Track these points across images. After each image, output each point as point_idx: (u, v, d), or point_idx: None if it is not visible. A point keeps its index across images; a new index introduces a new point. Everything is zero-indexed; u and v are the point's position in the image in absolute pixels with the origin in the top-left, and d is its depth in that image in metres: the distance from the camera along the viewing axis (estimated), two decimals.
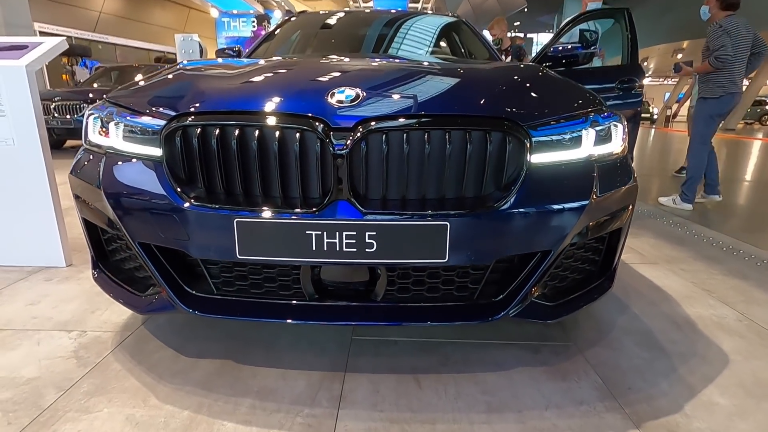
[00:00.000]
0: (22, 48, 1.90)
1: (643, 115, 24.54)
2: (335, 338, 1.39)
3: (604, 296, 1.28)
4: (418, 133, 1.00)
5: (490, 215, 1.01)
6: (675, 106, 5.97)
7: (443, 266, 1.08)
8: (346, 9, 3.01)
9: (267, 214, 1.00)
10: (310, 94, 1.07)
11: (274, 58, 2.07)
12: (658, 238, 2.58)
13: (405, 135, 0.99)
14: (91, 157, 1.23)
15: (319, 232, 0.99)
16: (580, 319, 1.56)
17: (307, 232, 0.99)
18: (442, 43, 2.65)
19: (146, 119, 1.12)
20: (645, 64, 24.08)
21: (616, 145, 1.26)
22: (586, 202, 1.09)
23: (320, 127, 0.99)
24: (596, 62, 3.46)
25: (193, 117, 1.04)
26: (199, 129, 1.02)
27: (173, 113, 1.07)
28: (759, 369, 1.30)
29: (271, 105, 1.04)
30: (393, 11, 3.06)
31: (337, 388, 1.17)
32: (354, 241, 0.99)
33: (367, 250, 1.00)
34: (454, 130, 1.01)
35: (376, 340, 1.38)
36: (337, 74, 1.22)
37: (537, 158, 1.09)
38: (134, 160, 1.13)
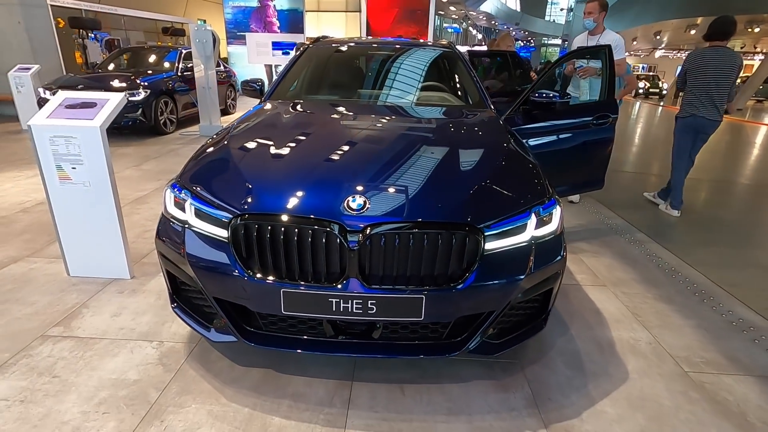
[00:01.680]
0: (92, 105, 2.33)
1: (651, 90, 24.45)
2: (345, 357, 1.91)
3: (549, 324, 1.80)
4: (405, 234, 1.47)
5: (451, 290, 1.50)
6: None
7: (420, 323, 1.58)
8: (353, 41, 3.35)
9: (302, 286, 1.49)
10: (333, 203, 1.53)
11: (291, 112, 2.49)
12: (615, 258, 3.06)
13: (396, 235, 1.47)
14: (172, 227, 1.71)
15: (338, 300, 1.49)
16: (529, 340, 2.07)
17: (329, 299, 1.49)
18: (437, 81, 3.05)
19: (214, 210, 1.59)
20: (658, 37, 23.61)
21: (554, 225, 1.72)
22: (522, 276, 1.57)
23: (338, 229, 1.46)
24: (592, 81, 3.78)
25: (251, 217, 1.51)
26: (257, 225, 1.50)
27: (236, 210, 1.54)
28: (646, 386, 1.82)
29: (306, 210, 1.50)
30: (397, 44, 3.43)
31: (346, 394, 1.71)
32: (360, 306, 1.49)
33: (369, 311, 1.50)
34: (430, 233, 1.48)
35: (374, 358, 1.91)
36: (354, 178, 1.65)
37: (489, 246, 1.56)
38: (206, 235, 1.61)
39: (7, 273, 2.54)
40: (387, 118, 2.51)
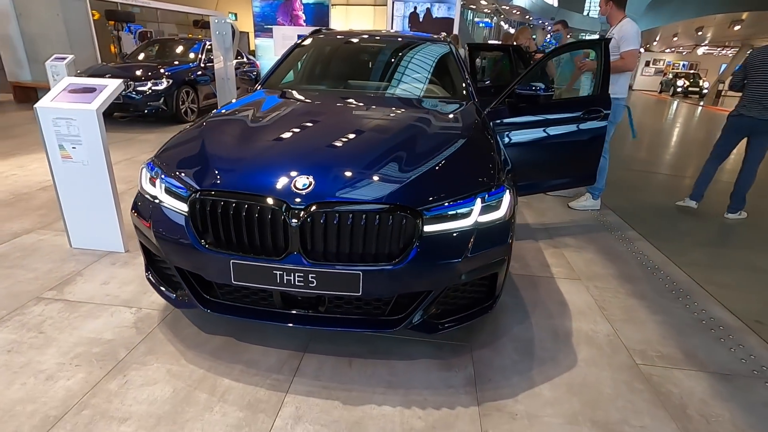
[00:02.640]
0: (92, 90, 2.53)
1: (690, 89, 23.31)
2: (305, 329, 2.03)
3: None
4: (344, 213, 1.57)
5: (388, 269, 1.58)
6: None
7: (358, 297, 1.67)
8: (349, 34, 3.46)
9: (249, 258, 1.61)
10: (280, 183, 1.63)
11: (279, 102, 2.61)
12: (598, 254, 3.05)
13: (336, 213, 1.56)
14: (145, 202, 1.86)
15: (281, 272, 1.60)
16: (486, 325, 2.13)
17: (274, 271, 1.60)
18: (423, 73, 3.10)
19: (178, 186, 1.73)
20: (700, 33, 22.42)
21: (501, 212, 1.78)
22: (459, 260, 1.64)
23: (282, 206, 1.57)
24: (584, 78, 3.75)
25: (207, 193, 1.64)
26: (211, 202, 1.62)
27: (195, 186, 1.68)
28: (591, 374, 1.85)
29: (257, 189, 1.62)
30: (392, 37, 3.50)
31: (296, 363, 1.82)
32: (302, 279, 1.60)
33: (310, 285, 1.60)
34: (368, 213, 1.57)
35: (320, 329, 2.00)
36: (304, 160, 1.77)
37: (429, 228, 1.63)
38: (171, 210, 1.75)
39: (19, 242, 2.79)
40: (362, 106, 2.59)
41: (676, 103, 19.51)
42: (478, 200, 1.72)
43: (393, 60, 3.24)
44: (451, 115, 2.46)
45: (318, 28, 3.75)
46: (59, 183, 2.60)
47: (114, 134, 6.23)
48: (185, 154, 1.91)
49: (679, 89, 23.37)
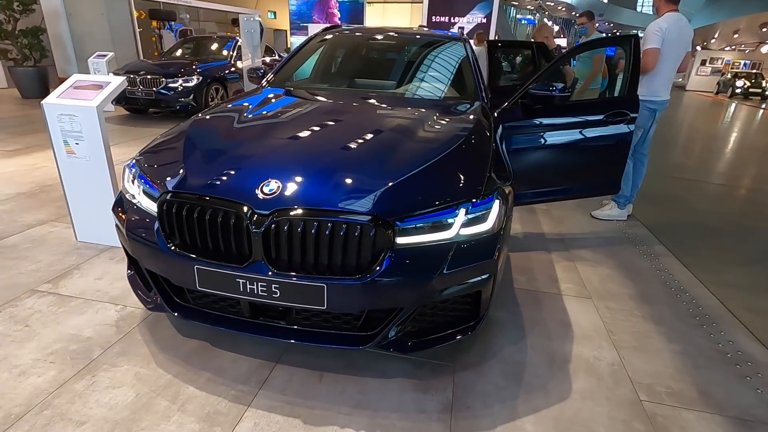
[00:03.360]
0: (97, 87, 2.56)
1: (752, 90, 21.53)
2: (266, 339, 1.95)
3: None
4: (309, 221, 1.47)
5: (355, 283, 1.47)
6: None
7: (324, 311, 1.56)
8: (363, 31, 3.39)
9: (213, 264, 1.54)
10: (248, 186, 1.56)
11: (274, 102, 2.54)
12: (615, 270, 2.79)
13: (302, 221, 1.47)
14: (125, 201, 1.84)
15: (244, 281, 1.52)
16: (474, 344, 1.97)
17: (237, 279, 1.53)
18: (432, 72, 2.96)
19: (152, 186, 1.70)
20: (765, 29, 20.62)
21: (487, 225, 1.62)
22: (434, 276, 1.50)
23: (248, 212, 1.49)
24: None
25: (175, 195, 1.59)
26: (176, 204, 1.57)
27: (166, 187, 1.63)
28: (584, 409, 1.66)
29: (223, 193, 1.55)
30: (405, 35, 3.37)
31: (265, 374, 1.75)
32: (265, 289, 1.51)
33: (273, 295, 1.52)
34: (335, 222, 1.46)
35: (286, 342, 1.90)
36: (277, 163, 1.68)
37: (403, 240, 1.51)
38: (144, 210, 1.72)
39: (30, 234, 2.89)
40: (357, 106, 2.47)
41: (734, 105, 18.09)
42: (462, 211, 1.58)
43: (401, 58, 3.12)
44: (449, 117, 2.31)
45: (331, 25, 3.67)
46: (65, 178, 2.66)
47: (145, 129, 6.45)
48: (164, 155, 1.88)
49: (738, 90, 21.63)
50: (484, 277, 1.63)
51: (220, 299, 1.70)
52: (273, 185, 1.54)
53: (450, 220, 1.56)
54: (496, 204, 1.67)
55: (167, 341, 1.91)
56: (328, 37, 3.33)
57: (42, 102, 2.51)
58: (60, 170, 2.65)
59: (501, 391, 1.72)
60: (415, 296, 1.53)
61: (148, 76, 6.80)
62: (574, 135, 2.87)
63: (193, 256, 1.57)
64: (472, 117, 2.28)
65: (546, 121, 2.80)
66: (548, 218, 3.63)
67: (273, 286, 1.50)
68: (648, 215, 3.78)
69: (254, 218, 1.49)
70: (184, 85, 6.92)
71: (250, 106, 2.36)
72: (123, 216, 1.79)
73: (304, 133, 1.97)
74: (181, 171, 1.68)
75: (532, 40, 4.34)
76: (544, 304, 2.35)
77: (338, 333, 1.62)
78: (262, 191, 1.53)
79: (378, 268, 1.48)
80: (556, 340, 2.05)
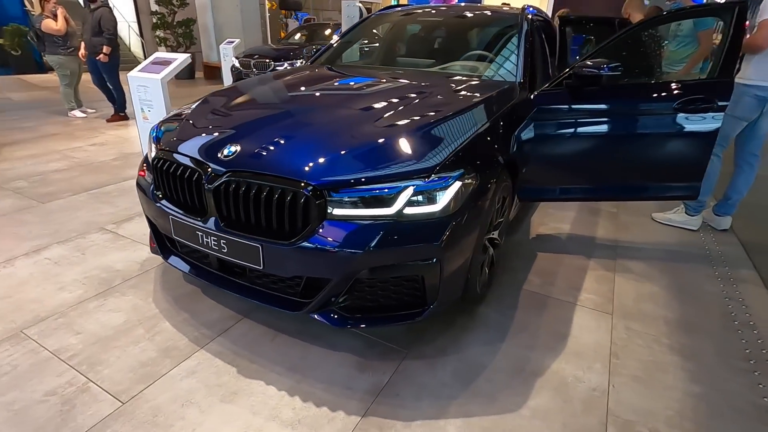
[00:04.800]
0: (168, 63, 2.98)
1: None
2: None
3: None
4: (249, 183, 1.54)
5: (285, 246, 1.50)
6: None
7: (262, 271, 1.63)
8: (415, 9, 3.27)
9: (181, 216, 1.72)
10: (212, 149, 1.68)
11: (300, 77, 2.66)
12: (667, 290, 2.31)
13: (245, 183, 1.55)
14: (146, 161, 2.14)
15: (201, 233, 1.67)
16: (441, 335, 1.85)
17: (197, 232, 1.68)
18: (475, 50, 2.76)
19: (154, 143, 1.95)
20: None
21: (437, 206, 1.51)
22: (360, 251, 1.45)
23: (207, 171, 1.63)
24: None
25: (162, 152, 1.81)
26: (160, 160, 1.78)
27: (161, 145, 1.86)
28: (521, 427, 1.45)
29: (191, 152, 1.71)
30: (461, 14, 3.19)
31: (229, 324, 1.90)
32: (216, 243, 1.64)
33: (222, 250, 1.64)
34: (273, 186, 1.51)
35: (238, 296, 1.98)
36: (248, 131, 1.78)
37: (339, 212, 1.49)
38: (149, 165, 1.98)
39: (123, 185, 3.52)
40: (367, 84, 2.43)
41: None
42: (409, 189, 1.49)
43: (446, 37, 2.96)
44: (454, 94, 2.15)
45: (389, 5, 3.64)
46: (143, 140, 3.17)
47: None
48: (175, 121, 2.12)
49: None
50: (427, 261, 1.52)
51: (195, 250, 1.89)
52: (232, 148, 1.64)
53: (391, 197, 1.49)
54: (455, 186, 1.53)
55: (170, 283, 2.19)
56: (379, 18, 3.33)
57: (128, 74, 3.01)
58: (140, 133, 3.16)
59: (441, 388, 1.60)
60: (342, 268, 1.50)
61: (261, 60, 7.57)
62: (636, 124, 2.43)
63: (170, 207, 1.77)
64: (479, 95, 2.09)
65: (598, 106, 2.41)
66: (611, 222, 3.14)
67: (222, 241, 1.62)
68: (749, 232, 3.01)
69: (211, 177, 1.61)
70: (289, 67, 7.55)
71: (273, 80, 2.51)
72: (141, 173, 2.08)
73: (294, 106, 2.04)
74: (175, 132, 1.89)
75: (624, 15, 3.69)
76: (547, 311, 2.08)
77: (280, 296, 1.68)
78: (222, 153, 1.64)
79: (306, 235, 1.49)
80: (538, 351, 1.81)
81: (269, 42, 10.89)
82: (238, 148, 1.64)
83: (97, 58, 5.51)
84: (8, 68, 10.40)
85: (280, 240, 1.52)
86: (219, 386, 1.58)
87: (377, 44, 3.30)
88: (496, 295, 2.17)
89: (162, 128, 2.06)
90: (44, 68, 10.27)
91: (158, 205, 1.81)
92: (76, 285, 2.16)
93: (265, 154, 1.61)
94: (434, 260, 1.53)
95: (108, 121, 5.77)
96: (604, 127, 2.44)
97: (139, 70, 2.99)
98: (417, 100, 2.01)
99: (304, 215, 1.50)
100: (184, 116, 2.06)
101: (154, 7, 10.47)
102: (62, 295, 2.08)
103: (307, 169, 1.52)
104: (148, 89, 2.92)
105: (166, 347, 1.76)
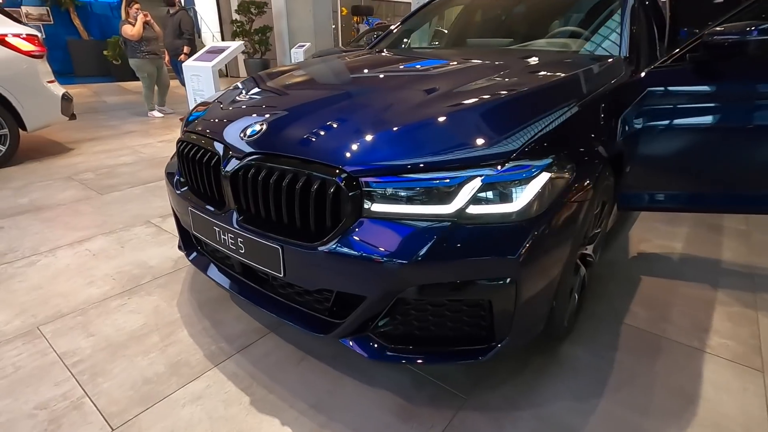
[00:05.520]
0: (221, 51, 2.83)
1: None
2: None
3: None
4: (271, 168, 1.22)
5: (311, 250, 1.16)
6: None
7: (284, 281, 1.29)
8: None
9: (200, 208, 1.45)
10: (234, 128, 1.40)
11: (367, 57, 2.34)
12: None
13: (266, 167, 1.23)
14: None
15: (219, 229, 1.38)
16: (513, 381, 1.40)
17: (214, 227, 1.40)
18: (568, 25, 2.26)
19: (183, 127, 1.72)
20: None
21: (516, 205, 1.08)
22: (404, 262, 1.06)
23: (226, 153, 1.34)
24: None
25: (185, 134, 1.56)
26: (182, 143, 1.54)
27: (185, 129, 1.62)
28: None
29: (213, 133, 1.44)
30: None
31: (252, 340, 1.60)
32: (233, 242, 1.34)
33: (240, 250, 1.34)
34: (297, 172, 1.17)
35: (258, 308, 1.66)
36: (281, 110, 1.47)
37: (379, 207, 1.12)
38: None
39: None
40: (441, 64, 2.03)
41: None
42: (475, 180, 1.08)
43: (527, 12, 2.49)
44: (534, 71, 1.70)
45: None
46: None
47: None
48: (209, 102, 1.89)
49: None
50: (498, 281, 1.09)
51: (216, 249, 1.61)
52: (257, 127, 1.34)
53: (450, 190, 1.09)
54: (542, 178, 1.10)
55: (199, 285, 1.96)
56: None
57: (184, 63, 2.91)
58: None
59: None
60: (380, 283, 1.12)
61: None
62: None
63: (190, 198, 1.52)
64: (571, 70, 1.61)
65: (735, 87, 1.80)
66: (742, 242, 2.43)
67: (239, 239, 1.32)
68: None
69: (229, 160, 1.32)
70: None
71: (315, 63, 2.22)
72: (171, 160, 1.88)
73: (338, 85, 1.71)
74: (201, 116, 1.65)
75: None
76: (662, 358, 1.53)
77: (306, 312, 1.34)
78: (245, 133, 1.35)
79: (336, 236, 1.13)
80: (654, 417, 1.29)
81: (339, 45, 10.96)
82: (264, 127, 1.34)
83: (179, 59, 5.72)
84: (110, 77, 11.47)
85: (304, 241, 1.18)
86: (225, 420, 1.27)
87: (444, 28, 2.91)
88: (588, 329, 1.66)
89: (194, 111, 1.83)
90: None
91: (178, 193, 1.56)
92: (106, 280, 2.00)
93: (294, 134, 1.28)
94: (508, 280, 1.09)
95: (182, 119, 5.97)
96: (743, 117, 1.82)
97: (194, 60, 2.89)
98: (491, 77, 1.58)
99: (334, 210, 1.15)
100: (217, 98, 1.82)
101: (235, 16, 10.98)
102: (89, 290, 1.92)
103: (340, 150, 1.17)
104: (201, 78, 2.80)
105: (176, 362, 1.50)
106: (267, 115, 1.41)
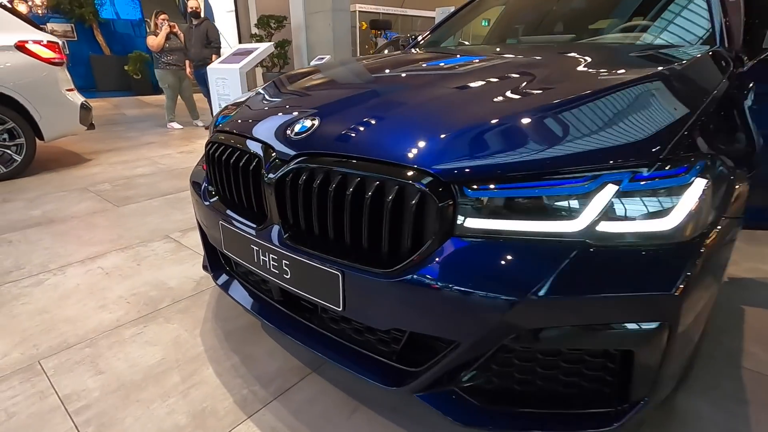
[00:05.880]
0: (249, 53, 2.63)
1: None
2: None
3: None
4: (333, 173, 0.96)
5: (383, 276, 0.88)
6: None
7: (342, 315, 1.02)
8: None
9: (234, 221, 1.20)
10: (278, 124, 1.15)
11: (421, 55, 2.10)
12: None
13: (322, 171, 0.97)
14: None
15: (257, 248, 1.12)
16: None
17: (251, 245, 1.14)
18: (640, 16, 1.98)
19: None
20: None
21: (671, 221, 0.79)
22: (514, 299, 0.78)
23: (269, 154, 1.08)
24: None
25: (215, 135, 1.32)
26: (213, 145, 1.29)
27: (215, 129, 1.38)
28: None
29: (253, 131, 1.19)
30: None
31: (290, 383, 1.32)
32: (276, 264, 1.08)
33: (284, 275, 1.07)
34: (367, 176, 0.91)
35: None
36: (333, 104, 1.22)
37: (476, 223, 0.84)
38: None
39: None
40: (509, 58, 1.78)
41: None
42: (608, 187, 0.80)
43: (590, 7, 2.23)
44: (630, 64, 1.42)
45: None
46: None
47: None
48: (242, 101, 1.66)
49: None
50: (643, 326, 0.80)
51: (251, 272, 1.35)
52: (307, 123, 1.09)
53: (576, 198, 0.81)
54: (698, 185, 0.81)
55: (225, 311, 1.69)
56: None
57: (208, 67, 2.71)
58: None
59: None
60: (479, 326, 0.84)
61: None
62: None
63: (223, 208, 1.26)
64: (674, 65, 1.33)
65: None
66: None
67: (284, 261, 1.06)
68: None
69: (274, 163, 1.07)
70: None
71: (355, 61, 1.98)
72: (204, 167, 1.63)
73: (394, 80, 1.46)
74: (235, 114, 1.41)
75: None
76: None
77: (367, 355, 1.05)
78: (293, 130, 1.10)
79: (422, 260, 0.85)
80: None
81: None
82: (316, 122, 1.08)
83: (209, 67, 5.59)
84: (130, 91, 11.54)
85: (374, 267, 0.91)
86: None
87: (491, 26, 2.67)
88: (704, 374, 1.35)
89: (224, 112, 1.60)
90: (159, 89, 11.34)
91: (207, 204, 1.31)
92: (120, 304, 1.75)
93: (357, 130, 1.03)
94: (657, 324, 0.80)
95: (206, 128, 5.82)
96: None
97: (219, 62, 2.70)
98: (598, 66, 1.31)
99: (416, 226, 0.88)
100: (251, 96, 1.58)
101: (254, 30, 11.01)
102: (100, 315, 1.67)
103: (421, 149, 0.90)
104: (227, 81, 2.60)
105: (201, 410, 1.22)
106: (319, 109, 1.16)
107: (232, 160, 1.20)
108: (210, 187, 1.36)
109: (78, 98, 3.88)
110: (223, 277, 1.45)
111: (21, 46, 3.46)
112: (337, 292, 0.96)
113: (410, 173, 0.86)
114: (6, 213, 2.75)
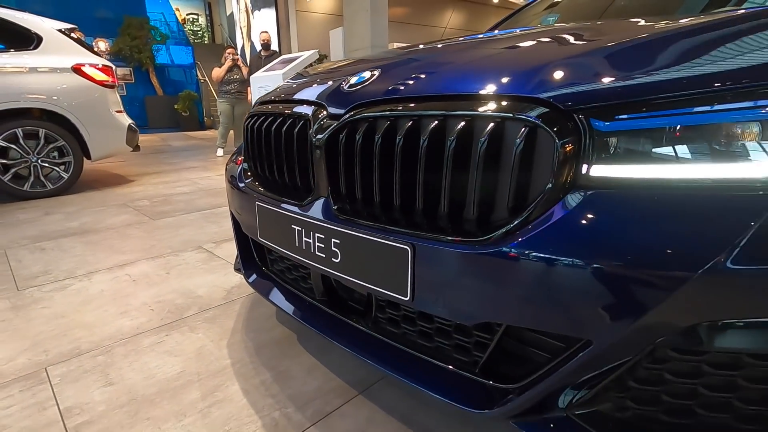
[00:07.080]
0: (293, 60, 2.55)
1: None
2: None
3: None
4: (401, 118, 0.74)
5: (475, 248, 0.64)
6: None
7: (409, 307, 0.77)
8: None
9: (272, 199, 1.00)
10: (331, 84, 0.96)
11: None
12: None
13: (388, 120, 0.76)
14: None
15: (299, 228, 0.91)
16: None
17: (292, 225, 0.93)
18: None
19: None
20: None
21: None
22: (691, 273, 0.51)
23: (317, 113, 0.89)
24: None
25: (258, 107, 1.15)
26: (252, 118, 1.12)
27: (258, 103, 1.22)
28: None
29: (301, 94, 1.01)
30: None
31: (332, 406, 1.06)
32: (323, 243, 0.86)
33: (333, 259, 0.84)
34: (453, 116, 0.69)
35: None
36: (384, 63, 1.03)
37: (615, 169, 0.59)
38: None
39: None
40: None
41: None
42: None
43: None
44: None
45: None
46: None
47: None
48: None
49: None
50: None
51: (292, 266, 1.14)
52: (365, 74, 0.89)
53: (754, 130, 0.55)
54: None
55: (257, 322, 1.47)
56: None
57: (251, 77, 2.65)
58: None
59: None
60: (621, 318, 0.56)
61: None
62: None
63: (259, 187, 1.07)
64: None
65: None
66: None
67: (333, 240, 0.83)
68: None
69: (323, 123, 0.87)
70: None
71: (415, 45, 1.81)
72: (238, 161, 1.47)
73: (471, 43, 1.26)
74: (278, 90, 1.24)
75: None
76: None
77: (439, 365, 0.79)
78: (347, 83, 0.91)
79: (529, 224, 0.61)
80: None
81: None
82: (376, 73, 0.89)
83: (252, 76, 5.70)
84: (178, 127, 12.14)
85: (459, 237, 0.67)
86: None
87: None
88: None
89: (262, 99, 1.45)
90: (205, 126, 11.83)
91: (242, 186, 1.13)
92: (142, 310, 1.56)
93: (428, 72, 0.82)
94: None
95: None
96: None
97: (263, 71, 2.64)
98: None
99: (521, 178, 0.64)
100: (293, 77, 1.43)
101: None
102: (120, 321, 1.49)
103: (525, 74, 0.68)
104: (269, 89, 2.51)
105: None
106: (380, 65, 0.97)
107: (273, 128, 1.02)
108: (246, 167, 1.18)
109: (126, 120, 3.96)
110: (256, 277, 1.24)
111: (77, 69, 3.59)
112: (405, 276, 0.72)
113: (513, 104, 0.64)
114: (45, 224, 2.71)
